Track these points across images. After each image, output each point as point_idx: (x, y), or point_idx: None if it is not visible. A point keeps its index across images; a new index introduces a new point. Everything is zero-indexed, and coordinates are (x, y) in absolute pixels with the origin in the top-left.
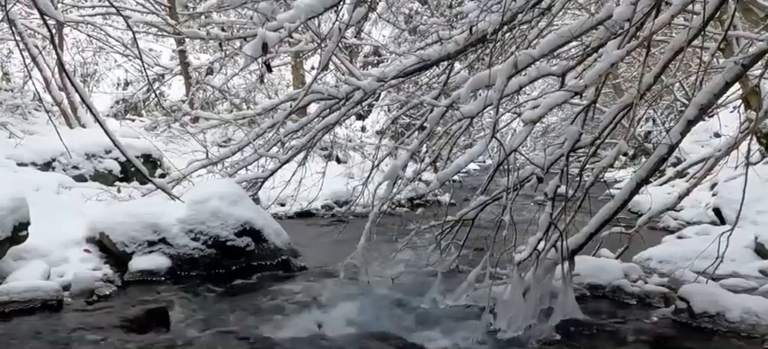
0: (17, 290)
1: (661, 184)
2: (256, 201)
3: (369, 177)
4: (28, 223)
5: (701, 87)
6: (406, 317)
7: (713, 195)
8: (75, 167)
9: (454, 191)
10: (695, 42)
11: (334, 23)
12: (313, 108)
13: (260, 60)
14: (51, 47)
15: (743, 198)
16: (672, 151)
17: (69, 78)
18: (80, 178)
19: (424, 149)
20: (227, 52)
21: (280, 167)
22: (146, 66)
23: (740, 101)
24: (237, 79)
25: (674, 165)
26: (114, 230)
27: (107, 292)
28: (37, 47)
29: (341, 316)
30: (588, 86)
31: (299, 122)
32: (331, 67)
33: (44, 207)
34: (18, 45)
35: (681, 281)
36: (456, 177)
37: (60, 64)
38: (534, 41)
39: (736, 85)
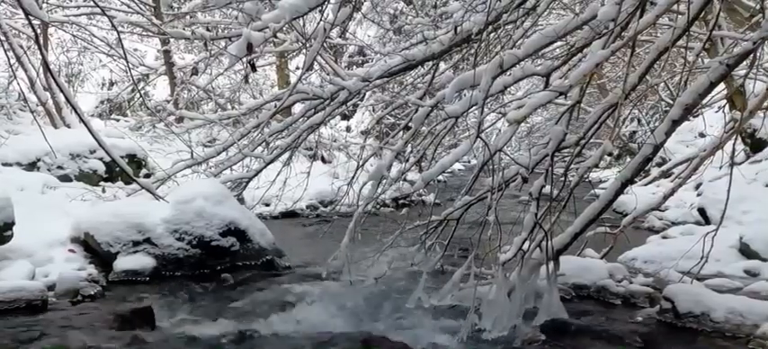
0: (2, 290)
1: (646, 184)
2: (241, 201)
3: (354, 177)
4: (13, 223)
5: (685, 87)
6: (390, 316)
7: (698, 195)
8: (60, 167)
9: (439, 191)
10: (680, 42)
11: (318, 23)
12: (298, 108)
13: (245, 60)
14: (36, 47)
15: (727, 198)
16: (657, 151)
17: (54, 78)
18: (65, 178)
19: (408, 149)
20: (212, 52)
21: (264, 167)
22: (130, 66)
23: (725, 101)
24: (222, 79)
25: (659, 165)
26: (99, 230)
27: (92, 292)
28: (22, 47)
29: (325, 315)
30: (573, 86)
31: (283, 122)
32: (316, 67)
33: (29, 207)
34: (2, 45)
35: (666, 281)
36: (441, 177)
37: (45, 64)
38: (519, 41)
39: (721, 85)
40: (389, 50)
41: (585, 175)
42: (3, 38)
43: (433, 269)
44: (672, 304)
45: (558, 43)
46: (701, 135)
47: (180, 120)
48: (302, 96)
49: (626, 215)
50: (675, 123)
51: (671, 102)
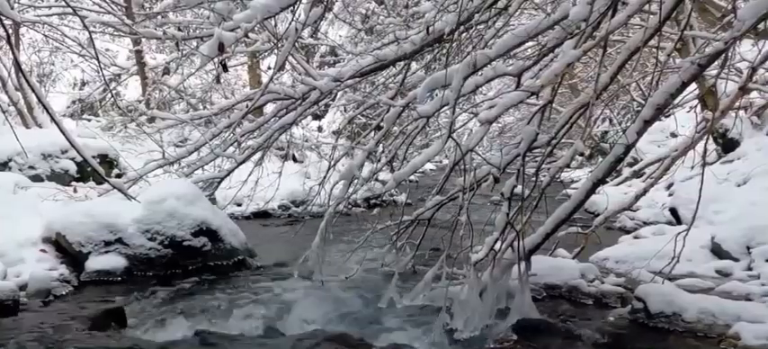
0: None
1: (617, 184)
2: (213, 201)
3: (325, 177)
4: None
5: (657, 87)
6: (362, 316)
7: (670, 195)
8: (32, 167)
9: (410, 191)
10: (651, 42)
11: (290, 23)
12: (269, 108)
13: (216, 60)
14: (7, 47)
15: (699, 198)
16: (628, 151)
17: (26, 78)
18: (36, 178)
19: (380, 149)
20: (184, 52)
21: (236, 167)
22: (102, 66)
23: (697, 101)
24: (194, 79)
25: (631, 164)
26: (70, 230)
27: (63, 292)
28: None
29: (296, 315)
30: (544, 86)
31: (255, 122)
32: (287, 67)
33: (0, 207)
34: None
35: (637, 281)
36: (412, 177)
37: (17, 64)
38: (491, 41)
39: (693, 85)
40: (361, 50)
41: (557, 175)
42: None
43: (405, 269)
44: (643, 304)
45: (530, 43)
46: (673, 135)
47: (152, 120)
48: (274, 96)
49: (598, 215)
50: (647, 123)
51: (642, 101)
